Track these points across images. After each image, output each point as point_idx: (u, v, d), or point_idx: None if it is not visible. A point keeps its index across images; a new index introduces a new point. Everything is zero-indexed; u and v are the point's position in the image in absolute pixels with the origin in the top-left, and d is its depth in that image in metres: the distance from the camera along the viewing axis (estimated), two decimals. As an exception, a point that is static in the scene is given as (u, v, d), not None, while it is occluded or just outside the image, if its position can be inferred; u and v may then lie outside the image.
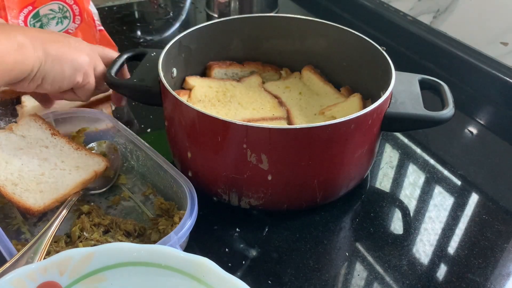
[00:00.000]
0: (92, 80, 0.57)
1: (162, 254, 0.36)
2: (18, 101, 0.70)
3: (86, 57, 0.55)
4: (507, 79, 0.76)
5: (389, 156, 0.66)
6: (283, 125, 0.60)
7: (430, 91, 0.59)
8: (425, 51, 0.88)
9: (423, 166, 0.64)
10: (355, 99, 0.61)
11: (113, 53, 0.62)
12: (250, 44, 0.69)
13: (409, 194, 0.59)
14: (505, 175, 0.63)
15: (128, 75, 0.65)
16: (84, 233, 0.49)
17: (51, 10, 0.72)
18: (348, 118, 0.47)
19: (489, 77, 0.78)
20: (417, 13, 0.92)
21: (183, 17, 1.08)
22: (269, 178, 0.51)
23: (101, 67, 0.59)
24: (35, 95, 0.62)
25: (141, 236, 0.50)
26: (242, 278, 0.34)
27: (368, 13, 0.99)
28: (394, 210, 0.57)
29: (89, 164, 0.54)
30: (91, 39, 0.74)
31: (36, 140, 0.55)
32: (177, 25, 1.03)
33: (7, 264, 0.40)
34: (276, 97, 0.65)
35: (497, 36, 0.79)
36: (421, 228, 0.55)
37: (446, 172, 0.63)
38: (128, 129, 0.58)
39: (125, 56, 0.61)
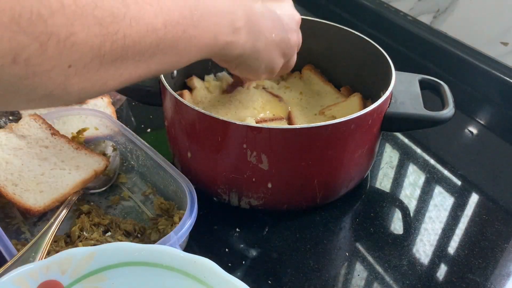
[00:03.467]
0: (292, 62, 0.55)
1: (163, 254, 0.36)
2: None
3: (292, 42, 0.52)
4: (507, 79, 0.76)
5: (389, 156, 0.66)
6: (283, 125, 0.60)
7: (430, 91, 0.59)
8: (425, 51, 0.88)
9: (423, 166, 0.64)
10: (355, 98, 0.61)
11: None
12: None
13: (409, 194, 0.59)
14: (505, 175, 0.63)
15: None
16: (84, 233, 0.49)
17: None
18: (348, 118, 0.47)
19: (489, 77, 0.78)
20: (417, 13, 0.92)
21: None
22: (269, 178, 0.51)
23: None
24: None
25: (141, 236, 0.50)
26: (242, 278, 0.34)
27: (368, 13, 0.99)
28: (394, 210, 0.58)
29: (89, 164, 0.54)
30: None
31: (36, 140, 0.55)
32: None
33: (8, 264, 0.40)
34: (276, 97, 0.65)
35: (497, 36, 0.79)
36: (421, 228, 0.55)
37: (446, 172, 0.63)
38: (128, 129, 0.58)
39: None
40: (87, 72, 0.30)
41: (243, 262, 0.50)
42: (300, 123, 0.61)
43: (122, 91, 0.59)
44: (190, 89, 0.65)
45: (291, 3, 0.53)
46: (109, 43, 0.30)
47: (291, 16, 0.51)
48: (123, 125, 0.59)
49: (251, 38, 0.45)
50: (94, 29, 0.29)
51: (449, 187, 0.61)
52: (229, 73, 0.68)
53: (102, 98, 0.71)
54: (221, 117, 0.47)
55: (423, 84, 0.58)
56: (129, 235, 0.50)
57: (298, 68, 0.70)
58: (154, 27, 0.33)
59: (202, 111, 0.48)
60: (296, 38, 0.52)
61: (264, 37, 0.47)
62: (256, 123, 0.58)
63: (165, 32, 0.34)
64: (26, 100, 0.30)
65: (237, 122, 0.47)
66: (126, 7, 0.31)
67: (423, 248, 0.52)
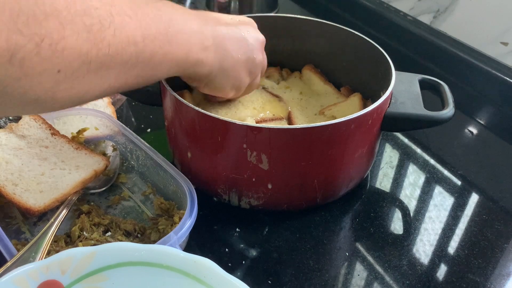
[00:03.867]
0: (257, 80, 0.56)
1: (163, 254, 0.36)
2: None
3: (257, 61, 0.53)
4: (507, 79, 0.76)
5: (389, 156, 0.66)
6: (283, 125, 0.60)
7: (430, 91, 0.59)
8: (425, 51, 0.88)
9: (423, 166, 0.64)
10: (355, 99, 0.61)
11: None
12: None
13: (409, 194, 0.59)
14: (505, 175, 0.63)
15: None
16: (84, 233, 0.49)
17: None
18: (348, 118, 0.47)
19: (489, 77, 0.78)
20: (417, 13, 0.92)
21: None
22: (269, 178, 0.51)
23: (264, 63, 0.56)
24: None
25: (141, 236, 0.50)
26: (242, 278, 0.34)
27: (368, 13, 0.99)
28: (394, 210, 0.58)
29: (89, 164, 0.54)
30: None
31: (36, 140, 0.55)
32: (177, 25, 1.03)
33: (8, 264, 0.40)
34: (276, 97, 0.65)
35: (497, 36, 0.79)
36: (421, 228, 0.55)
37: (446, 172, 0.63)
38: (128, 129, 0.58)
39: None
40: (75, 78, 0.32)
41: (243, 262, 0.50)
42: (300, 123, 0.61)
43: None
44: (190, 89, 0.65)
45: (255, 25, 0.55)
46: (96, 50, 0.32)
47: (256, 37, 0.53)
48: (123, 125, 0.59)
49: (218, 57, 0.47)
50: (83, 35, 0.30)
51: (449, 187, 0.61)
52: None
53: (102, 98, 0.71)
54: (221, 117, 0.47)
55: (423, 84, 0.58)
56: (129, 235, 0.50)
57: (298, 68, 0.70)
58: (135, 40, 0.35)
59: (202, 111, 0.48)
60: (261, 57, 0.54)
61: (230, 56, 0.49)
62: (256, 123, 0.58)
63: (144, 45, 0.36)
64: (14, 105, 0.31)
65: (237, 122, 0.47)
66: (111, 17, 0.33)
67: (423, 248, 0.52)
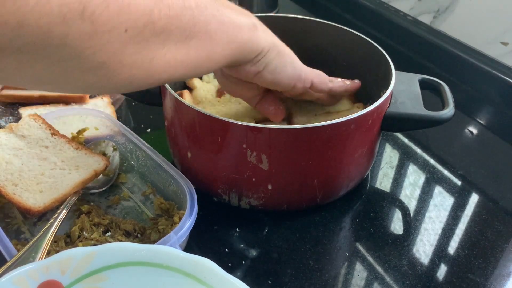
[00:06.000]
0: (315, 79, 0.54)
1: (163, 254, 0.36)
2: (21, 104, 0.70)
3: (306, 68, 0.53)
4: (507, 79, 0.76)
5: (389, 156, 0.66)
6: (283, 125, 0.60)
7: (430, 91, 0.59)
8: (425, 51, 0.88)
9: (423, 166, 0.64)
10: (358, 109, 0.61)
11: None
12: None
13: (409, 194, 0.59)
14: (505, 175, 0.63)
15: None
16: (84, 233, 0.49)
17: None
18: (348, 118, 0.47)
19: (489, 77, 0.78)
20: (417, 13, 0.92)
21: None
22: (269, 178, 0.51)
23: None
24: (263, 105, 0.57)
25: (141, 236, 0.50)
26: (242, 278, 0.34)
27: (368, 13, 0.99)
28: (394, 210, 0.58)
29: (89, 164, 0.54)
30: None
31: (36, 140, 0.55)
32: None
33: (8, 264, 0.40)
34: (276, 97, 0.65)
35: (497, 36, 0.79)
36: (421, 228, 0.55)
37: (446, 172, 0.63)
38: (128, 129, 0.58)
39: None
40: (140, 40, 0.31)
41: (243, 262, 0.50)
42: (300, 123, 0.61)
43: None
44: (190, 89, 0.65)
45: None
46: (158, 10, 0.31)
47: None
48: (123, 125, 0.59)
49: (269, 37, 0.47)
50: None
51: (449, 187, 0.61)
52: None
53: (102, 98, 0.71)
54: (221, 117, 0.47)
55: (423, 84, 0.58)
56: (129, 235, 0.50)
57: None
58: (189, 4, 0.35)
59: (202, 111, 0.48)
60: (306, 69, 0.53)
61: (279, 42, 0.49)
62: (256, 123, 0.58)
63: (198, 12, 0.36)
64: (82, 71, 0.30)
65: (237, 122, 0.47)
66: None
67: (423, 248, 0.52)
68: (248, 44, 0.44)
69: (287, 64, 0.50)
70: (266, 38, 0.47)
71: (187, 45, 0.36)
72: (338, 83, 0.57)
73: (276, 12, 1.07)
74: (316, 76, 0.54)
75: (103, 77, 0.32)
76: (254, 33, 0.44)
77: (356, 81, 0.58)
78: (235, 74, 0.49)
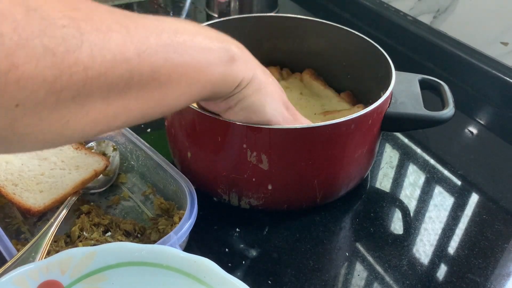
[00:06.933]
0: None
1: (163, 254, 0.36)
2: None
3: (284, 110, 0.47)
4: (507, 79, 0.76)
5: (389, 156, 0.66)
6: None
7: (430, 91, 0.59)
8: (425, 51, 0.88)
9: (423, 166, 0.64)
10: (359, 110, 0.61)
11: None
12: (250, 44, 0.69)
13: (409, 194, 0.59)
14: (505, 175, 0.63)
15: None
16: (84, 233, 0.49)
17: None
18: (348, 118, 0.47)
19: (489, 77, 0.78)
20: (417, 13, 0.92)
21: (183, 17, 1.08)
22: (269, 178, 0.51)
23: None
24: None
25: (141, 236, 0.50)
26: (242, 278, 0.34)
27: (368, 13, 0.99)
28: (394, 210, 0.58)
29: (89, 164, 0.54)
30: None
31: (36, 140, 0.55)
32: (177, 25, 1.03)
33: (8, 264, 0.40)
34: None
35: (497, 36, 0.79)
36: (421, 228, 0.55)
37: (446, 172, 0.63)
38: (128, 129, 0.58)
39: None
40: (41, 110, 0.26)
41: (243, 262, 0.50)
42: (300, 123, 0.61)
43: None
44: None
45: None
46: (67, 76, 0.26)
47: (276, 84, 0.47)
48: (123, 125, 0.59)
49: (250, 68, 0.41)
50: (45, 61, 0.25)
51: (449, 187, 0.61)
52: None
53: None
54: (221, 117, 0.47)
55: (423, 84, 0.58)
56: (129, 235, 0.50)
57: (298, 68, 0.70)
58: (125, 56, 0.29)
59: (202, 111, 0.48)
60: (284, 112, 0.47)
61: (263, 71, 0.43)
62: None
63: (140, 61, 0.30)
64: None
65: (237, 122, 0.47)
66: (86, 34, 0.27)
67: (423, 248, 0.52)
68: (220, 82, 0.38)
69: (266, 104, 0.43)
70: (246, 70, 0.40)
71: (123, 99, 0.30)
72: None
73: (276, 12, 1.07)
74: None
75: (5, 150, 0.28)
76: (229, 67, 0.38)
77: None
78: (202, 104, 0.45)
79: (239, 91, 0.41)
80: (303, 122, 0.48)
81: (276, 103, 0.45)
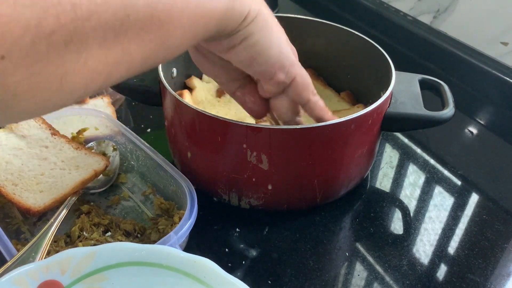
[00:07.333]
0: (299, 78, 0.43)
1: (163, 254, 0.36)
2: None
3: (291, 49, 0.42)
4: (507, 79, 0.76)
5: (389, 156, 0.66)
6: (283, 125, 0.60)
7: (430, 91, 0.59)
8: (425, 51, 0.88)
9: (423, 166, 0.64)
10: (359, 110, 0.61)
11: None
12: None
13: (409, 194, 0.59)
14: (505, 175, 0.63)
15: None
16: (84, 233, 0.49)
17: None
18: (348, 118, 0.47)
19: (489, 77, 0.78)
20: (417, 13, 0.92)
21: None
22: (269, 178, 0.51)
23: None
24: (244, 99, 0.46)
25: (141, 236, 0.50)
26: (242, 278, 0.34)
27: (368, 13, 0.99)
28: (394, 210, 0.58)
29: (89, 164, 0.54)
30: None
31: (36, 140, 0.55)
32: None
33: (8, 264, 0.40)
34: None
35: (497, 36, 0.79)
36: (421, 228, 0.55)
37: (446, 172, 0.63)
38: (128, 129, 0.58)
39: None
40: (32, 63, 0.23)
41: (243, 262, 0.50)
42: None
43: (121, 90, 0.59)
44: (190, 89, 0.65)
45: None
46: (53, 17, 0.23)
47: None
48: (123, 125, 0.59)
49: (256, 3, 0.37)
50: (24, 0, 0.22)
51: (449, 187, 0.61)
52: None
53: (102, 98, 0.71)
54: (221, 117, 0.47)
55: (423, 84, 0.58)
56: (129, 235, 0.50)
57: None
58: None
59: (202, 111, 0.48)
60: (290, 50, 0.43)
61: (269, 13, 0.39)
62: (256, 123, 0.58)
63: None
64: None
65: (237, 122, 0.47)
66: None
67: (423, 248, 0.52)
68: (224, 15, 0.34)
69: (272, 44, 0.39)
70: (251, 2, 0.36)
71: (122, 43, 0.27)
72: (320, 102, 0.46)
73: (276, 12, 1.07)
74: (302, 75, 0.44)
75: (5, 117, 0.25)
76: (232, 2, 0.34)
77: (333, 117, 0.48)
78: (204, 44, 0.40)
79: (244, 27, 0.37)
80: (304, 72, 0.44)
81: (283, 44, 0.41)
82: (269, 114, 0.49)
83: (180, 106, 0.50)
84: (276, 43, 0.40)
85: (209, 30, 0.34)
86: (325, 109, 0.47)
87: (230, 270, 0.48)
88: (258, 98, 0.46)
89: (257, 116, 0.48)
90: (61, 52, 0.24)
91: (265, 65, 0.40)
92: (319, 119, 0.47)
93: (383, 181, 0.62)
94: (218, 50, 0.40)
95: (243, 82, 0.46)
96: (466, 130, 0.73)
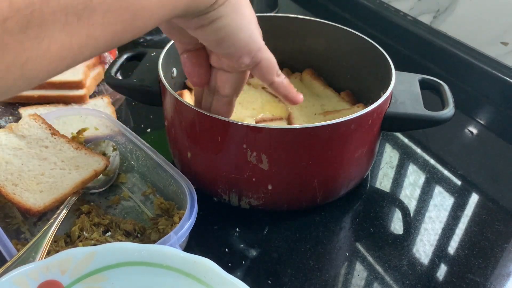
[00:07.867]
0: (264, 61, 0.43)
1: (163, 254, 0.36)
2: (21, 104, 0.70)
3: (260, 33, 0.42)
4: (507, 79, 0.76)
5: (389, 156, 0.66)
6: (283, 125, 0.60)
7: (430, 91, 0.59)
8: (425, 51, 0.88)
9: (423, 166, 0.64)
10: (358, 109, 0.61)
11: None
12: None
13: (409, 194, 0.59)
14: (505, 175, 0.63)
15: None
16: (84, 233, 0.49)
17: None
18: (348, 118, 0.47)
19: (489, 77, 0.78)
20: (417, 13, 0.92)
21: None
22: (269, 178, 0.51)
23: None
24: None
25: (141, 236, 0.50)
26: (242, 278, 0.34)
27: (368, 13, 0.99)
28: (394, 210, 0.58)
29: (89, 164, 0.54)
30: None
31: (36, 140, 0.55)
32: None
33: (8, 264, 0.40)
34: (276, 97, 0.65)
35: (497, 36, 0.79)
36: (421, 228, 0.55)
37: (446, 172, 0.63)
38: (128, 129, 0.58)
39: (125, 56, 0.61)
40: None
41: (243, 262, 0.50)
42: (300, 123, 0.61)
43: (121, 90, 0.59)
44: (190, 89, 0.65)
45: None
46: (5, 2, 0.22)
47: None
48: (123, 125, 0.59)
49: None
50: None
51: (449, 187, 0.61)
52: None
53: (102, 98, 0.71)
54: (221, 117, 0.47)
55: (423, 84, 0.58)
56: (129, 235, 0.50)
57: (298, 68, 0.70)
58: None
59: (202, 111, 0.48)
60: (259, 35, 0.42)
61: None
62: (256, 123, 0.58)
63: None
64: None
65: (237, 122, 0.47)
66: None
67: (423, 248, 0.52)
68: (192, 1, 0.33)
69: (242, 28, 0.38)
70: None
71: (87, 25, 0.26)
72: (285, 82, 0.46)
73: (276, 12, 1.07)
74: (268, 59, 0.43)
75: None
76: None
77: (301, 96, 0.47)
78: (180, 24, 0.39)
79: (214, 9, 0.36)
80: (270, 55, 0.44)
81: (252, 28, 0.40)
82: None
83: (180, 106, 0.50)
84: (246, 27, 0.39)
85: (178, 10, 0.33)
86: (289, 87, 0.46)
87: (230, 270, 0.48)
88: (204, 66, 0.45)
89: (195, 83, 0.46)
90: (19, 39, 0.23)
91: (232, 48, 0.39)
92: (285, 97, 0.47)
93: (383, 181, 0.62)
94: (185, 26, 0.38)
95: (194, 47, 0.44)
96: (466, 130, 0.73)
